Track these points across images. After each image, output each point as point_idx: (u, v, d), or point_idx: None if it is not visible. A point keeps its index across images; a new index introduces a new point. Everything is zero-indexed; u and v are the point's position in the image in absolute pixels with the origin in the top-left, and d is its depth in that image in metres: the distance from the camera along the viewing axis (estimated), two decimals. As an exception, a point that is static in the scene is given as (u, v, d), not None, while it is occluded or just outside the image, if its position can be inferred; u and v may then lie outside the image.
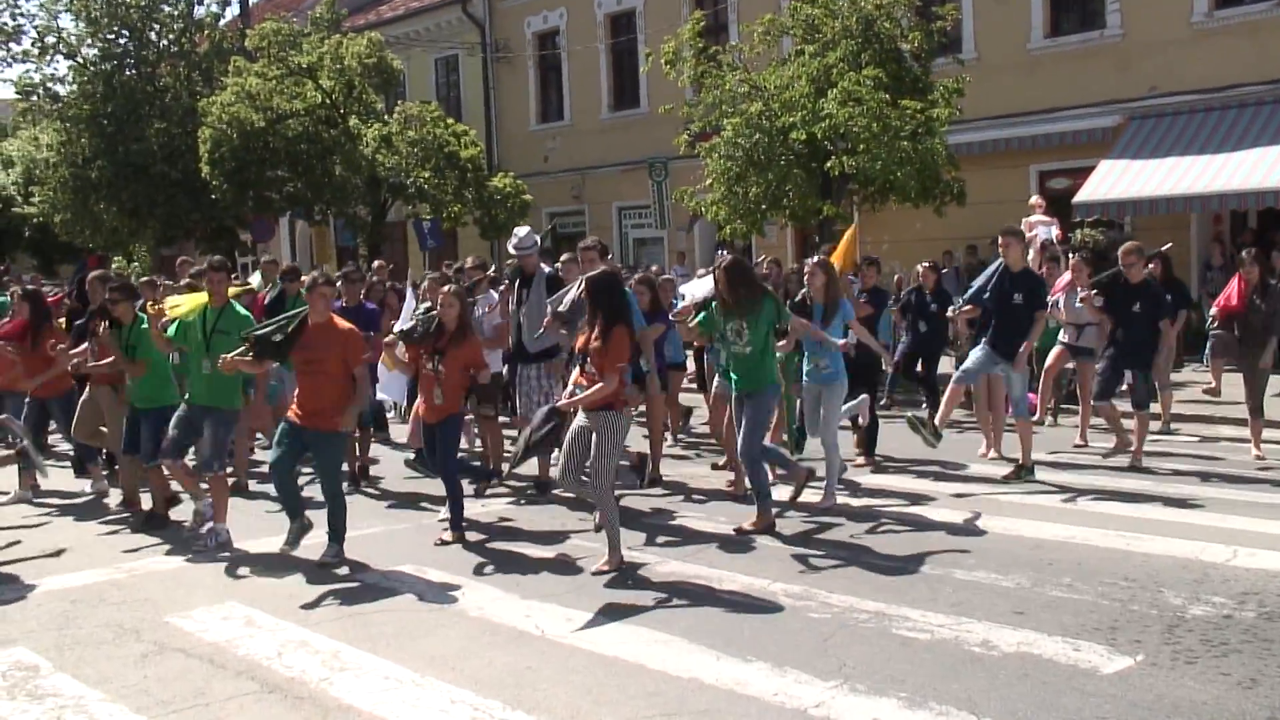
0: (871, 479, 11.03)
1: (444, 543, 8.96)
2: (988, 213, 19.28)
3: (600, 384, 7.80)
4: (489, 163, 27.55)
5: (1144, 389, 11.16)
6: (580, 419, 8.04)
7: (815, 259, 10.28)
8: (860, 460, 11.65)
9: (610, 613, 7.08)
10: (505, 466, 10.57)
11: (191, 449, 9.65)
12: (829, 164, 16.71)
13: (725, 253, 11.74)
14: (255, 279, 14.16)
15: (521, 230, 11.36)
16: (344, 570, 8.32)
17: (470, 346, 9.12)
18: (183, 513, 10.11)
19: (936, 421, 10.54)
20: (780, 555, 8.36)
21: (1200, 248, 19.34)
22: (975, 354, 10.70)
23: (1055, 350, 12.40)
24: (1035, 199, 16.41)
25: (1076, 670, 5.82)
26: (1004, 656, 6.04)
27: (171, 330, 9.44)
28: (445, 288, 9.37)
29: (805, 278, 10.20)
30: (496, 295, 11.40)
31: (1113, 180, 18.53)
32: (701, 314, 9.40)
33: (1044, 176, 20.83)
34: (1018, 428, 10.80)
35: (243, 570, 8.37)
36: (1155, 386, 11.69)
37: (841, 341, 9.77)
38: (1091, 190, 18.51)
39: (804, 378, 10.04)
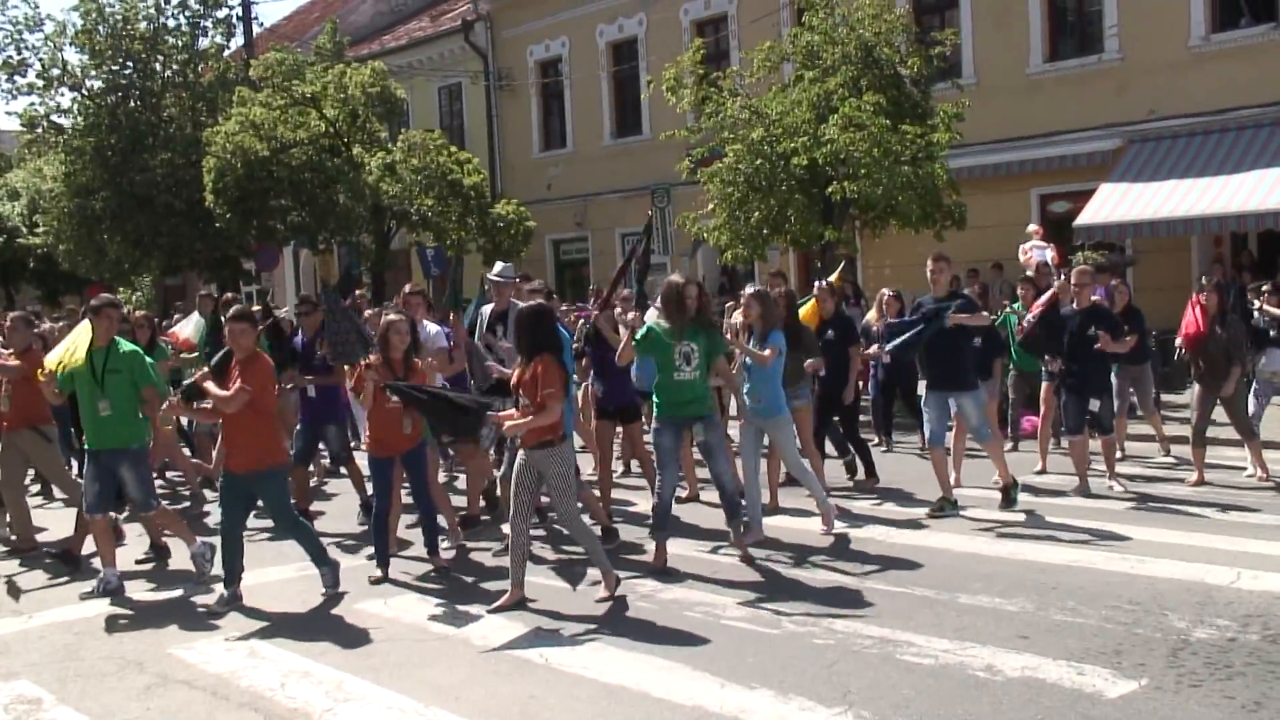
0: (873, 505, 11.02)
1: (440, 570, 8.95)
2: (989, 236, 19.34)
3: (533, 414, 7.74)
4: (492, 190, 27.63)
5: (1108, 412, 11.17)
6: (521, 456, 8.00)
7: (751, 289, 9.99)
8: (865, 480, 11.68)
9: (614, 640, 7.08)
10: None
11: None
12: (830, 189, 16.76)
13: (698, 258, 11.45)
14: (190, 324, 13.45)
15: (501, 264, 11.11)
16: (346, 599, 8.32)
17: (420, 372, 9.00)
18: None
19: (944, 492, 10.48)
20: (784, 581, 8.36)
21: (1201, 270, 19.33)
22: (928, 411, 10.59)
23: (1045, 388, 12.35)
24: (1033, 226, 16.53)
25: (1081, 694, 5.81)
26: (1008, 681, 6.03)
27: (59, 379, 9.01)
28: (390, 318, 9.22)
29: (741, 306, 9.94)
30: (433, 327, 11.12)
31: (1113, 203, 18.55)
32: (645, 332, 8.92)
33: (1045, 200, 20.85)
34: (989, 452, 10.71)
35: (245, 600, 8.35)
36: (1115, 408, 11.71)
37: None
38: (1092, 213, 18.54)
39: (747, 411, 9.71)
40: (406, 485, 9.32)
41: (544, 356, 7.79)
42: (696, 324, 8.81)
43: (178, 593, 8.79)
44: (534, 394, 7.74)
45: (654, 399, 9.03)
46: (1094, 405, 10.92)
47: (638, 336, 8.87)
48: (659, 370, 8.89)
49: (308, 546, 8.56)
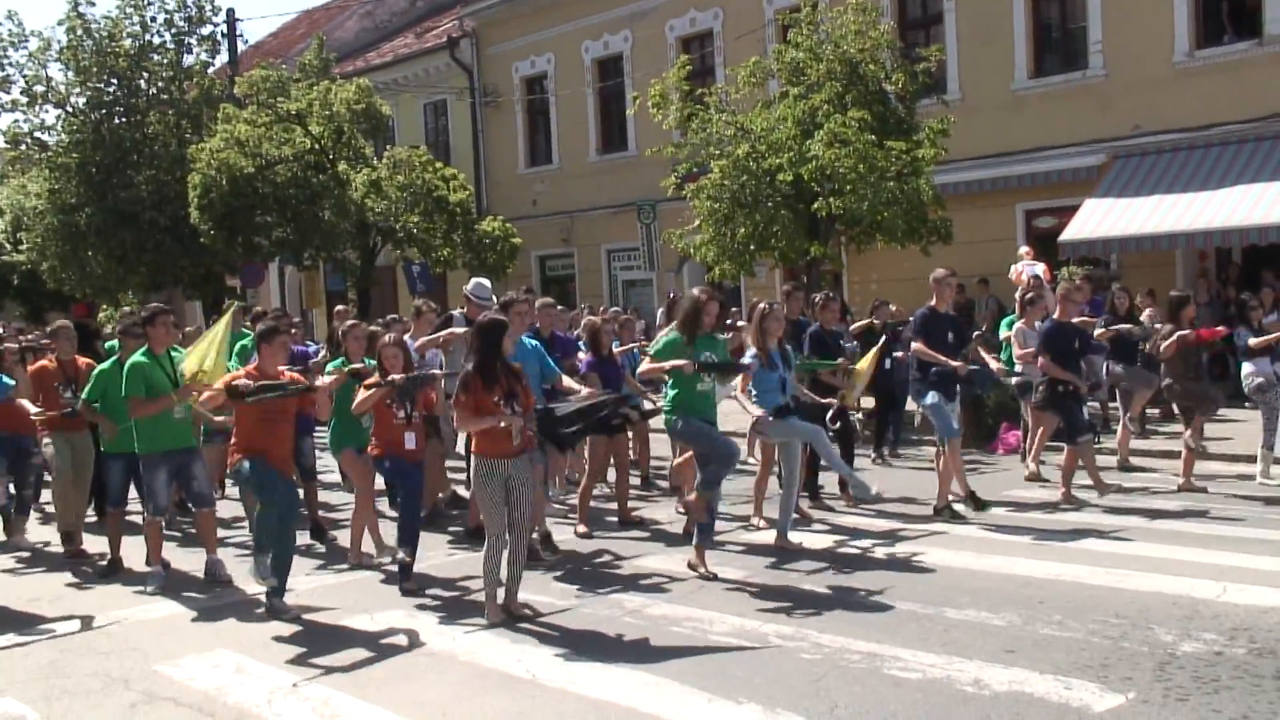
0: (861, 519, 11.03)
1: (409, 592, 8.84)
2: (975, 252, 19.40)
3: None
4: (478, 206, 27.63)
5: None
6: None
7: (768, 304, 10.45)
8: (842, 496, 11.72)
9: (601, 655, 7.06)
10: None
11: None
12: (816, 205, 16.79)
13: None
14: None
15: (478, 280, 11.30)
16: (332, 615, 8.28)
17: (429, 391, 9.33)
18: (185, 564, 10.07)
19: (946, 495, 10.79)
20: (771, 596, 8.34)
21: (1185, 285, 19.42)
22: (940, 409, 10.81)
23: (1031, 405, 12.51)
24: (1024, 249, 16.80)
25: (1068, 708, 5.81)
26: (996, 695, 6.03)
27: (131, 384, 9.16)
28: (388, 337, 9.39)
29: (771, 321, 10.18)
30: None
31: (1098, 219, 18.64)
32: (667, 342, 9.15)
33: (1030, 215, 20.92)
34: (940, 461, 10.98)
35: (232, 617, 8.32)
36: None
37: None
38: (1077, 229, 18.62)
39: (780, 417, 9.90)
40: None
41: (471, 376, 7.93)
42: (711, 336, 9.12)
43: (164, 609, 8.75)
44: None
45: (668, 410, 9.20)
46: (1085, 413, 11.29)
47: (659, 347, 9.15)
48: (677, 384, 9.01)
49: (286, 561, 8.50)
